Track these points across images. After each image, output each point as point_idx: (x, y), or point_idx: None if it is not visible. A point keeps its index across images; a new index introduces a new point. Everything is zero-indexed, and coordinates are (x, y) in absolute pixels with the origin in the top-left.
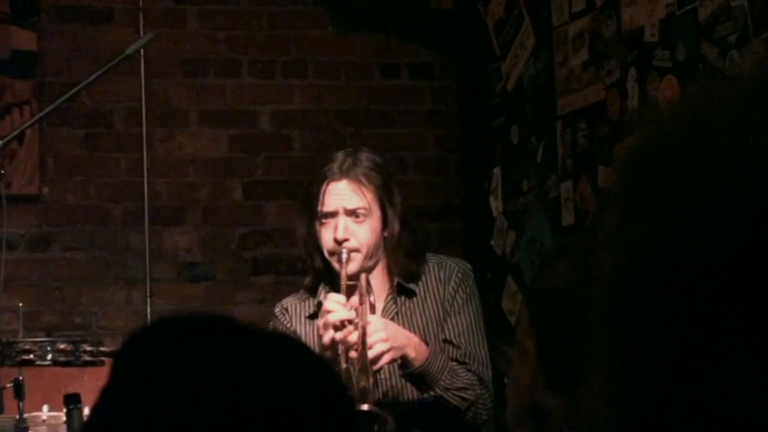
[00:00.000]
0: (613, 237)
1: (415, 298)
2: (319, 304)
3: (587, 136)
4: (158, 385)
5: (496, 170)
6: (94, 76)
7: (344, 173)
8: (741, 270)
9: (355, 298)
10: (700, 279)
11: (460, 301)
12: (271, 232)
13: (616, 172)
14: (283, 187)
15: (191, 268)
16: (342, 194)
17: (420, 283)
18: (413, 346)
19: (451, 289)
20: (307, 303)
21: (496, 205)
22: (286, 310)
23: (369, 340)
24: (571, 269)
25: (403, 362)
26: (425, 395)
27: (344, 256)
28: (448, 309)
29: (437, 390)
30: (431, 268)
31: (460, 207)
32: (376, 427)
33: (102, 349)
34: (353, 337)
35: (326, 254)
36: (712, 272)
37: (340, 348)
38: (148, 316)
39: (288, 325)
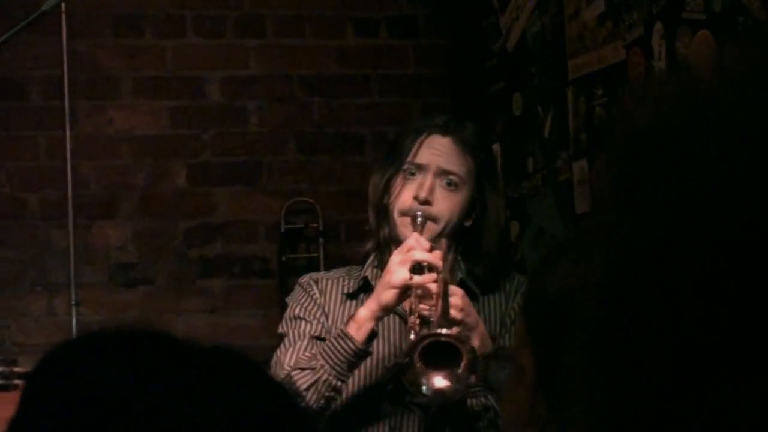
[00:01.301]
0: (603, 238)
1: (474, 303)
2: (365, 281)
3: (604, 105)
4: (78, 417)
5: (496, 147)
6: (3, 38)
7: (450, 131)
8: (740, 276)
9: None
10: (699, 284)
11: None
12: (222, 226)
13: (607, 163)
14: (237, 171)
15: (125, 270)
16: (442, 151)
17: (487, 290)
18: (481, 333)
19: (515, 305)
20: (345, 281)
21: None
22: (316, 282)
23: (450, 300)
24: (574, 271)
25: None
26: (474, 400)
27: (419, 219)
28: (508, 325)
29: (490, 397)
30: (499, 280)
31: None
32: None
33: (16, 369)
34: (433, 286)
35: (396, 214)
36: (715, 279)
37: (409, 301)
38: (74, 329)
39: (315, 297)
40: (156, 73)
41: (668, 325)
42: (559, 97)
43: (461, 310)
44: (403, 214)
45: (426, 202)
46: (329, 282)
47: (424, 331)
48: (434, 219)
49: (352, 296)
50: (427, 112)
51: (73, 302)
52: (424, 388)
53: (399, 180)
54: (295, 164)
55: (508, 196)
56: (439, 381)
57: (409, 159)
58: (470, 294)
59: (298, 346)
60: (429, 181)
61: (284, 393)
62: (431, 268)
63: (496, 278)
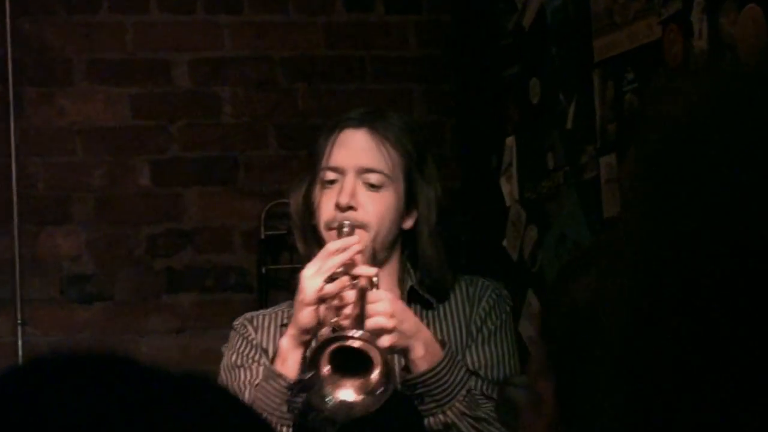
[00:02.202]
0: (632, 248)
1: (432, 312)
2: None
3: (636, 91)
4: None
5: (510, 141)
6: None
7: (365, 121)
8: None
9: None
10: (743, 300)
11: (492, 327)
12: (192, 233)
13: (635, 163)
14: (210, 168)
15: (79, 283)
16: (357, 147)
17: (443, 297)
18: (424, 340)
19: (481, 311)
20: (283, 314)
21: (509, 189)
22: (250, 321)
23: (369, 308)
24: (599, 286)
25: (406, 361)
26: (431, 419)
27: (345, 229)
28: (475, 334)
29: (449, 413)
30: (460, 285)
31: (460, 193)
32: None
33: None
34: (349, 294)
35: (322, 228)
36: (760, 296)
37: (323, 309)
38: (19, 352)
39: (251, 338)
40: (115, 56)
41: (711, 346)
42: (583, 83)
43: (392, 316)
44: (328, 227)
45: (349, 208)
46: (265, 318)
47: (324, 334)
48: (363, 226)
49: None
50: (429, 99)
51: (19, 321)
52: (327, 399)
53: (318, 191)
54: (277, 160)
55: (524, 197)
56: (346, 392)
57: (323, 164)
58: (423, 302)
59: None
60: (349, 184)
61: (264, 428)
62: (350, 274)
63: (452, 283)
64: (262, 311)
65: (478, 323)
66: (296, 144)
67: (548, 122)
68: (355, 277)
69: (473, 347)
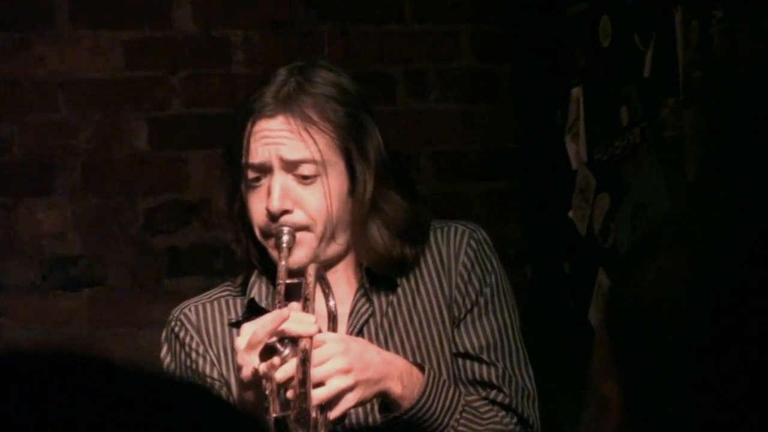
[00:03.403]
0: (693, 233)
1: (397, 295)
2: (252, 304)
3: (725, 32)
4: None
5: (576, 92)
6: None
7: (281, 104)
8: None
9: (295, 304)
10: None
11: (480, 289)
12: (197, 205)
13: (702, 127)
14: (217, 128)
15: (64, 266)
16: (277, 138)
17: (408, 270)
18: (398, 376)
19: (462, 269)
20: (227, 304)
21: (576, 150)
22: (187, 318)
23: (317, 373)
24: (671, 273)
25: (384, 403)
26: None
27: (285, 238)
28: (461, 303)
29: None
30: (429, 244)
31: (517, 154)
32: None
33: None
34: (289, 367)
35: (258, 235)
36: None
37: (269, 387)
38: None
39: (193, 345)
40: None
41: None
42: (663, 22)
43: (348, 370)
44: (265, 235)
45: (284, 212)
46: (206, 309)
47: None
48: (305, 227)
49: (238, 325)
50: (479, 43)
51: None
52: None
53: (244, 191)
54: None
55: (594, 160)
56: None
57: (243, 163)
58: (386, 283)
59: None
60: (277, 184)
61: None
62: (284, 340)
63: (416, 255)
64: (199, 300)
65: (462, 287)
66: None
67: (622, 70)
68: (295, 339)
69: (464, 326)
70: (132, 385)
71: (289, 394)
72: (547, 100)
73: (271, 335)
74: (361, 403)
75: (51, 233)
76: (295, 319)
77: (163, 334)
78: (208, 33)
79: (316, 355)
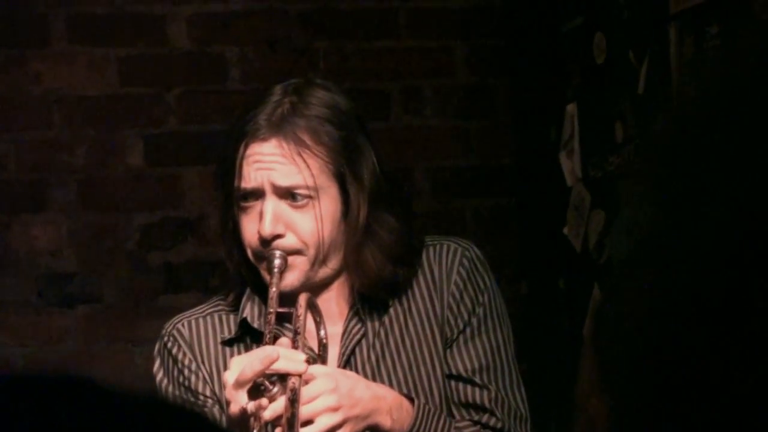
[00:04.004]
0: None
1: (389, 316)
2: (244, 324)
3: (719, 47)
4: None
5: (571, 108)
6: None
7: (274, 127)
8: None
9: (284, 340)
10: None
11: (473, 309)
12: (193, 221)
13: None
14: (212, 145)
15: (60, 283)
16: (269, 163)
17: (401, 290)
18: (387, 410)
19: (454, 289)
20: (220, 320)
21: (571, 167)
22: (180, 333)
23: (305, 411)
24: (659, 288)
25: None
26: None
27: (276, 262)
28: (453, 323)
29: None
30: (422, 262)
31: (512, 170)
32: None
33: None
34: (277, 405)
35: (251, 257)
36: None
37: (257, 425)
38: None
39: (186, 361)
40: (99, 9)
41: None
42: (657, 38)
43: (337, 408)
44: (257, 258)
45: (275, 237)
46: (199, 324)
47: None
48: (297, 251)
49: (232, 344)
50: (475, 58)
51: None
52: None
53: (236, 211)
54: None
55: (589, 176)
56: None
57: (235, 186)
58: (379, 305)
59: None
60: (269, 209)
61: None
62: (273, 376)
63: (409, 275)
64: (192, 315)
65: (455, 306)
66: None
67: (616, 86)
68: (284, 377)
69: (457, 347)
70: (127, 402)
71: None
72: (542, 117)
73: (260, 375)
74: None
75: (46, 250)
76: (284, 356)
77: (156, 348)
78: (204, 50)
79: (304, 393)
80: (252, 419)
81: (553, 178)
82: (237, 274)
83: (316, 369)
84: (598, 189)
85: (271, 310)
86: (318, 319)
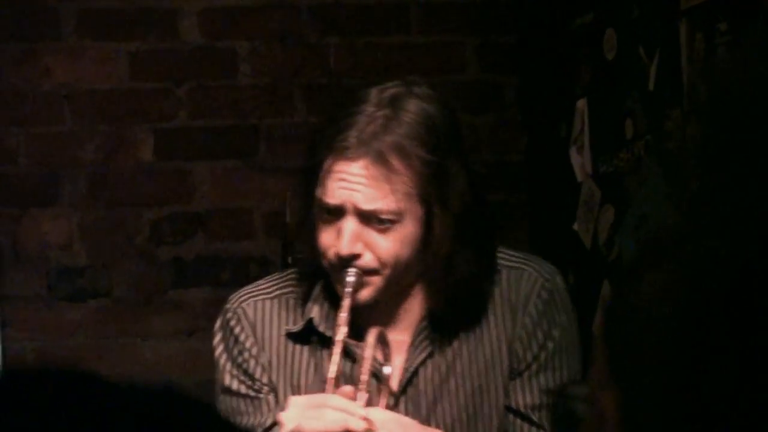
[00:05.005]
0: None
1: (462, 335)
2: (310, 324)
3: (730, 45)
4: None
5: (581, 104)
6: None
7: (363, 146)
8: None
9: (348, 388)
10: None
11: (544, 343)
12: (203, 216)
13: (694, 140)
14: (224, 140)
15: (70, 277)
16: (354, 184)
17: (475, 312)
18: None
19: (527, 320)
20: (286, 306)
21: (581, 163)
22: (245, 313)
23: None
24: (670, 284)
25: None
26: None
27: (350, 280)
28: (521, 356)
29: None
30: (499, 284)
31: (522, 166)
32: None
33: None
34: None
35: (325, 265)
36: None
37: None
38: None
39: (247, 344)
40: (110, 4)
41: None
42: (668, 35)
43: None
44: (332, 269)
45: (353, 257)
46: (265, 310)
47: None
48: (374, 271)
49: (299, 338)
50: (485, 54)
51: None
52: None
53: (317, 218)
54: (304, 129)
55: (599, 172)
56: None
57: (317, 197)
58: (449, 330)
59: None
60: (349, 229)
61: None
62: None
63: (486, 297)
64: (260, 292)
65: (525, 338)
66: (327, 109)
67: (626, 82)
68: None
69: (520, 381)
70: (136, 396)
71: None
72: (552, 113)
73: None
74: None
75: (57, 244)
76: (346, 410)
77: (219, 322)
78: (214, 44)
79: None
80: None
81: (563, 174)
82: (310, 269)
83: (376, 415)
84: (608, 185)
85: (339, 338)
86: (386, 353)
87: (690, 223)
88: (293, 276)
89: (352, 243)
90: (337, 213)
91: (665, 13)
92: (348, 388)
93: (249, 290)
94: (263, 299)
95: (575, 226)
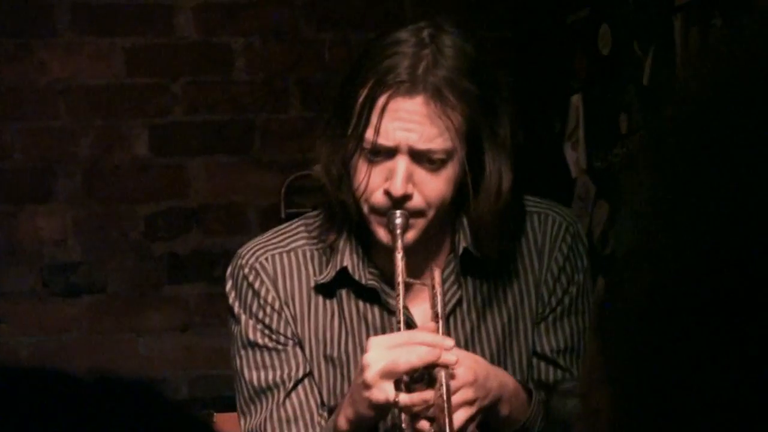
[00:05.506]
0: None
1: (490, 283)
2: (344, 273)
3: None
4: None
5: (576, 99)
6: None
7: (420, 82)
8: None
9: (431, 325)
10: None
11: (567, 287)
12: (198, 211)
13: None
14: (218, 135)
15: (64, 273)
16: (411, 123)
17: (505, 255)
18: (508, 398)
19: (553, 264)
20: (305, 258)
21: (575, 158)
22: (263, 268)
23: (453, 402)
24: (664, 279)
25: (488, 421)
26: None
27: (399, 221)
28: (547, 300)
29: None
30: (525, 228)
31: (517, 160)
32: None
33: None
34: (426, 395)
35: (365, 209)
36: None
37: (404, 418)
38: None
39: (269, 299)
40: (105, 0)
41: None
42: (663, 30)
43: (472, 403)
44: (375, 212)
45: (404, 198)
46: (284, 264)
47: None
48: (419, 213)
49: (324, 290)
50: (482, 49)
51: None
52: None
53: (358, 162)
54: (300, 124)
55: (593, 167)
56: None
57: (368, 137)
58: (481, 270)
59: (272, 412)
60: (403, 168)
61: None
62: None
63: (513, 242)
64: (274, 247)
65: (551, 281)
66: (322, 104)
67: (621, 77)
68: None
69: (545, 325)
70: (131, 391)
71: (423, 424)
72: (547, 108)
73: (416, 370)
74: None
75: (51, 240)
76: (436, 344)
77: (232, 280)
78: (209, 40)
79: (453, 384)
80: (396, 410)
81: (557, 170)
82: (338, 218)
83: (461, 355)
84: (602, 180)
85: (399, 279)
86: (440, 295)
87: (677, 217)
88: (302, 227)
89: (405, 182)
90: (388, 153)
91: (660, 8)
92: (431, 324)
93: (261, 244)
94: (280, 252)
95: None
